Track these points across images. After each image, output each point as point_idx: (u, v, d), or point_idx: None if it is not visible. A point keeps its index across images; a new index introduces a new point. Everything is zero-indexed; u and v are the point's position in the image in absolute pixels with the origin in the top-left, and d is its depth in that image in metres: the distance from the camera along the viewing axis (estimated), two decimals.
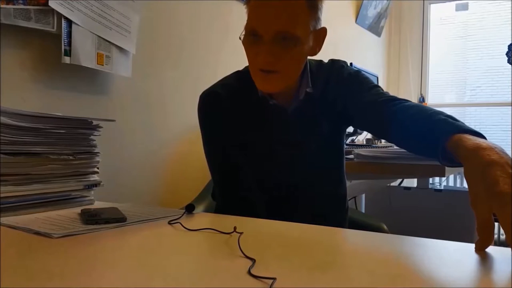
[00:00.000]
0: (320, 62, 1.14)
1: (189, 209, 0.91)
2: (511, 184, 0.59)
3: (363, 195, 2.60)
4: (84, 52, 1.30)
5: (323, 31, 1.03)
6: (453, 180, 3.68)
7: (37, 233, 0.72)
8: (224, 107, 1.08)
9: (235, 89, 1.09)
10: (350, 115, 1.07)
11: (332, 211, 1.16)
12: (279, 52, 0.95)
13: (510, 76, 3.63)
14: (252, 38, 0.97)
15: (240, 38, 1.00)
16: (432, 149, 0.80)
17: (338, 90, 1.08)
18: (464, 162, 0.68)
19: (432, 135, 0.80)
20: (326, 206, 1.13)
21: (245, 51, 1.02)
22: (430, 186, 2.81)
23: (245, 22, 1.02)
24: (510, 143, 3.52)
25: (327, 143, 1.12)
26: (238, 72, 1.14)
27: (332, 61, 1.14)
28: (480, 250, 0.62)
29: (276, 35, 0.94)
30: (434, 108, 0.90)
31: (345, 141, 1.17)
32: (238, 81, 1.11)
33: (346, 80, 1.08)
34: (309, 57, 1.08)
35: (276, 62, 0.96)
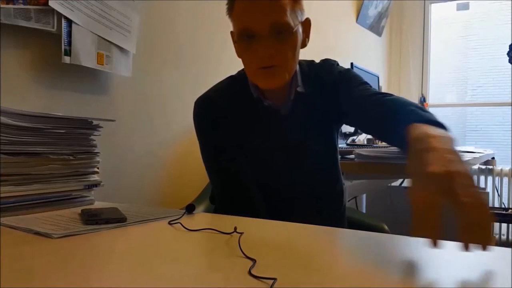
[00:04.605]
0: (312, 61, 1.15)
1: (190, 209, 0.91)
2: (446, 167, 0.56)
3: (364, 195, 2.60)
4: (84, 52, 1.30)
5: (309, 21, 1.06)
6: None
7: (37, 233, 0.72)
8: (219, 112, 1.09)
9: (229, 94, 1.10)
10: (341, 113, 1.08)
11: (331, 209, 1.16)
12: (277, 45, 0.97)
13: (511, 76, 3.62)
14: (246, 40, 0.98)
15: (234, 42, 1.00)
16: (397, 139, 0.79)
17: (329, 88, 1.08)
18: (409, 148, 0.66)
19: (398, 126, 0.78)
20: (325, 204, 1.13)
21: (240, 56, 1.03)
22: None
23: None
24: (511, 143, 3.52)
25: (322, 142, 1.13)
26: (231, 76, 1.15)
27: (323, 61, 1.15)
28: (416, 235, 0.55)
29: (271, 29, 0.95)
30: (412, 101, 0.90)
31: (338, 138, 1.18)
32: (231, 85, 1.12)
33: (336, 78, 1.09)
34: (301, 58, 1.09)
35: (275, 54, 0.97)
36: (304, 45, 1.06)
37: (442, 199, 0.54)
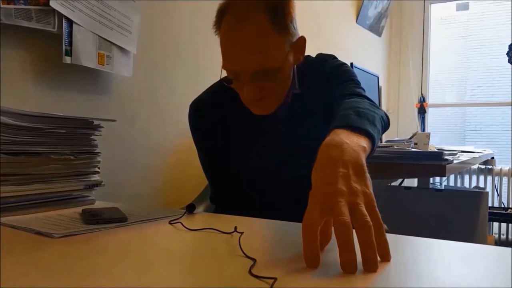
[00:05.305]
0: (307, 57, 1.10)
1: (190, 209, 0.92)
2: (331, 186, 0.57)
3: None
4: (85, 52, 1.30)
5: (302, 40, 0.99)
6: (453, 180, 3.68)
7: (38, 233, 0.72)
8: (214, 115, 1.08)
9: (223, 96, 1.08)
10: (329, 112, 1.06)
11: None
12: (262, 85, 0.93)
13: (511, 75, 3.63)
14: (232, 75, 0.96)
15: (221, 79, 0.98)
16: None
17: (322, 86, 1.06)
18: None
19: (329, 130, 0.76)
20: None
21: None
22: (430, 186, 2.81)
23: None
24: (511, 143, 3.52)
25: (320, 141, 1.11)
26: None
27: (317, 56, 1.12)
28: (305, 258, 0.54)
29: (254, 74, 0.91)
30: (365, 105, 0.87)
31: None
32: (225, 87, 1.10)
33: (325, 76, 1.06)
34: None
35: (261, 93, 0.94)
36: (297, 62, 1.01)
37: (321, 219, 0.56)
